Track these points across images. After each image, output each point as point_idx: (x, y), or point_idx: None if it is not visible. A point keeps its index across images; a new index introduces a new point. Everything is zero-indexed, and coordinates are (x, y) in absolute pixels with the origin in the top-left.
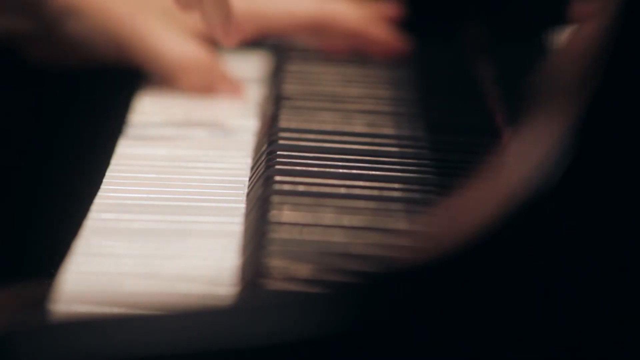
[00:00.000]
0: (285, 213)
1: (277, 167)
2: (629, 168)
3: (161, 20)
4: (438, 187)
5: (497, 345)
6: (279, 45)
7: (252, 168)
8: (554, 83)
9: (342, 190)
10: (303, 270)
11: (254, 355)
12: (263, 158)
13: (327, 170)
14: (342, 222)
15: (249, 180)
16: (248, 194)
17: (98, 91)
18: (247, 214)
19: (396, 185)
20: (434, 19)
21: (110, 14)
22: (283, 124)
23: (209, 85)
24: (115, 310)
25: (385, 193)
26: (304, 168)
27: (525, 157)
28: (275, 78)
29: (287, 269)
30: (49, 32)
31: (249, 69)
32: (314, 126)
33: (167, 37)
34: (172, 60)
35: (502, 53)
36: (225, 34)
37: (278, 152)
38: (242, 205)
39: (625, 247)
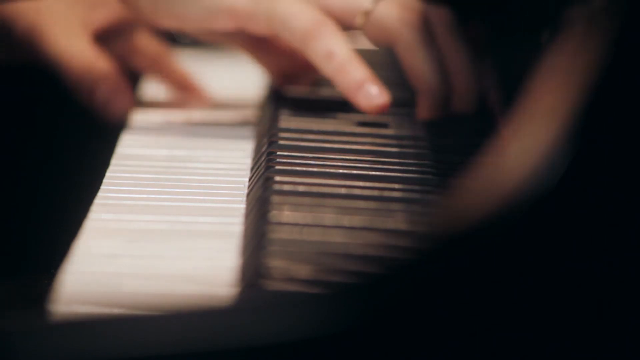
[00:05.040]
0: (285, 213)
1: (277, 167)
2: (629, 168)
3: (64, 14)
4: (438, 187)
5: (496, 344)
6: None
7: (252, 168)
8: (552, 81)
9: (342, 190)
10: (303, 270)
11: (254, 356)
12: (263, 158)
13: (327, 170)
14: (342, 222)
15: (249, 180)
16: (248, 194)
17: None
18: (247, 215)
19: (396, 185)
20: None
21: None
22: (283, 124)
23: (89, 85)
24: (115, 310)
25: (385, 193)
26: (304, 168)
27: (524, 156)
28: None
29: (287, 270)
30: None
31: (249, 69)
32: (314, 126)
33: (64, 36)
34: (68, 63)
35: (502, 53)
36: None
37: (278, 152)
38: (242, 206)
39: (626, 247)
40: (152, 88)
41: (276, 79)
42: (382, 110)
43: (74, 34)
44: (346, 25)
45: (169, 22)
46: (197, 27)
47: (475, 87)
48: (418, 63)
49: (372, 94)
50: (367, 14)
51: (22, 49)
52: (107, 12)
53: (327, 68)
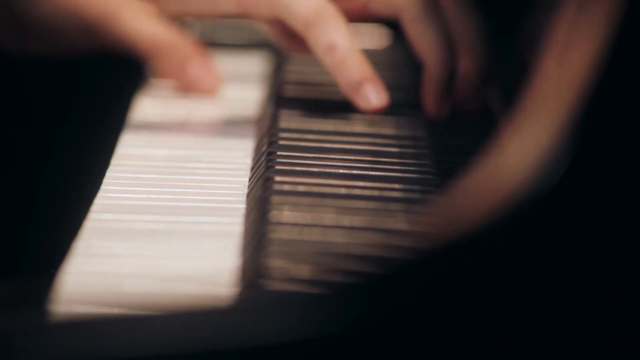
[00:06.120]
0: (285, 213)
1: (277, 167)
2: (629, 168)
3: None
4: (438, 187)
5: (496, 344)
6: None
7: (252, 168)
8: (551, 81)
9: (342, 190)
10: (303, 270)
11: (254, 355)
12: (263, 158)
13: (327, 170)
14: (342, 222)
15: (249, 180)
16: (248, 194)
17: (98, 91)
18: (247, 215)
19: (396, 185)
20: None
21: None
22: (283, 124)
23: (179, 66)
24: (115, 310)
25: (385, 193)
26: (304, 168)
27: (524, 156)
28: (276, 78)
29: (287, 270)
30: (15, 17)
31: (250, 69)
32: (314, 126)
33: (139, 17)
34: (144, 41)
35: (502, 53)
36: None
37: (278, 152)
38: (242, 206)
39: (626, 247)
40: (152, 88)
41: (284, 43)
42: (379, 111)
43: (149, 17)
44: (352, 1)
45: (175, 6)
46: (201, 11)
47: (483, 60)
48: (424, 35)
49: (370, 93)
50: None
51: (93, 36)
52: (179, 6)
53: (327, 60)
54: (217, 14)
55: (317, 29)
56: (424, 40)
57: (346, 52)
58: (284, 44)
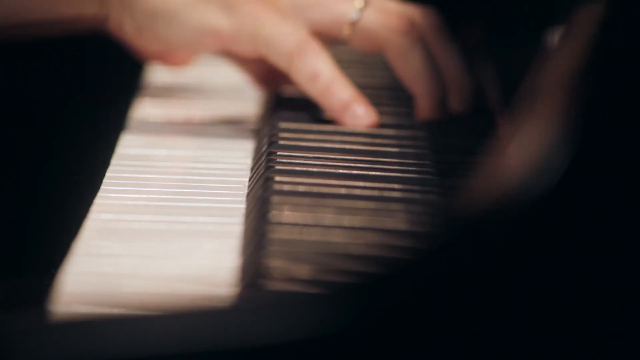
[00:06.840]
0: (285, 213)
1: (277, 167)
2: (629, 168)
3: None
4: (438, 187)
5: (496, 344)
6: None
7: (252, 168)
8: (551, 82)
9: (342, 190)
10: (303, 270)
11: (254, 356)
12: (263, 158)
13: (327, 170)
14: (342, 222)
15: (249, 180)
16: (248, 194)
17: (98, 92)
18: (247, 215)
19: (396, 185)
20: None
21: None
22: (283, 124)
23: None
24: (115, 310)
25: (385, 193)
26: (304, 168)
27: (524, 156)
28: None
29: (287, 270)
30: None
31: None
32: (314, 126)
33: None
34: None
35: (502, 53)
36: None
37: (278, 152)
38: (242, 206)
39: (626, 247)
40: (158, 76)
41: (259, 84)
42: (371, 127)
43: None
44: (333, 38)
45: (155, 46)
46: (181, 49)
47: (470, 83)
48: (410, 67)
49: (358, 114)
50: (353, 24)
51: None
52: (160, 44)
53: (312, 89)
54: (199, 51)
55: (300, 61)
56: (410, 73)
57: (329, 79)
58: (261, 86)
